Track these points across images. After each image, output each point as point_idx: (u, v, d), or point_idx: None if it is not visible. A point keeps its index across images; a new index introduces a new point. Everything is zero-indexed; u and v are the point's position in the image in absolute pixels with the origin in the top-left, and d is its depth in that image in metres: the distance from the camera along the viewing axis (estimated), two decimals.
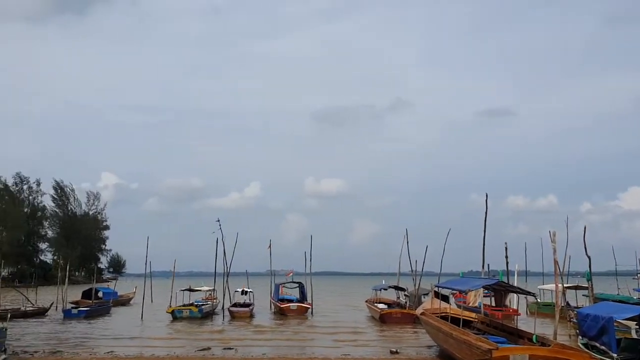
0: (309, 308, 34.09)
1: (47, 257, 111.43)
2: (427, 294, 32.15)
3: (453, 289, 22.29)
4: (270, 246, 39.11)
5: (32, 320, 31.02)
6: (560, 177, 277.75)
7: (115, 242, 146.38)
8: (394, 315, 29.08)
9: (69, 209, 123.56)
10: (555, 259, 18.79)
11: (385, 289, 35.90)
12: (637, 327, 17.38)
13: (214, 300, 37.48)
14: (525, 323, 25.29)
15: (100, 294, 43.26)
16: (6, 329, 18.06)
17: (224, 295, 34.11)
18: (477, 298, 33.11)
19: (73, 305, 35.92)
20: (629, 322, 17.65)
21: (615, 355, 14.05)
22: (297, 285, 37.55)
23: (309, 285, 35.52)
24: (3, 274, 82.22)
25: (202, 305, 34.33)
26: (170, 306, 32.79)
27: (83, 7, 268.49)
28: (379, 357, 18.16)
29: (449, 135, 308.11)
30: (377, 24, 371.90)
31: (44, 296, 43.03)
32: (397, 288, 34.88)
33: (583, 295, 33.59)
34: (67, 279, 37.27)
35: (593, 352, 14.64)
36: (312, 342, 22.21)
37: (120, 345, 20.78)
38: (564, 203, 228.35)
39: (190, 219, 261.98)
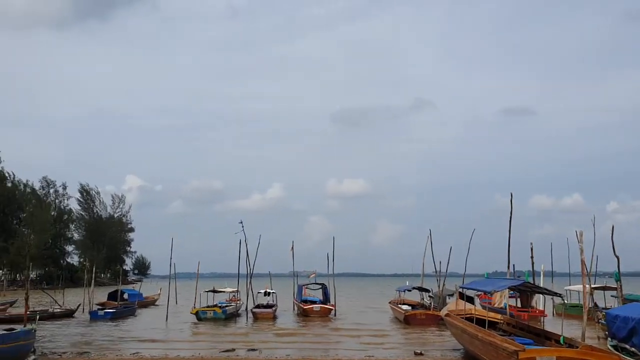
0: (332, 309, 34.02)
1: (74, 260, 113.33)
2: (451, 295, 31.94)
3: (478, 290, 22.04)
4: (292, 247, 39.22)
5: (59, 321, 31.47)
6: (585, 176, 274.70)
7: (140, 244, 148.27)
8: (418, 317, 28.85)
9: (95, 211, 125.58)
10: (582, 259, 18.49)
11: (409, 290, 35.65)
12: None
13: (238, 302, 37.64)
14: (551, 324, 24.88)
15: (125, 296, 43.83)
16: (35, 330, 18.33)
17: (247, 296, 34.24)
18: (503, 299, 32.79)
19: (99, 307, 36.38)
20: None
21: None
22: (320, 286, 37.52)
23: (332, 286, 35.45)
24: (31, 276, 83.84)
25: (226, 306, 34.48)
26: (194, 307, 33.02)
27: (105, 12, 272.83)
28: (403, 359, 18.03)
29: (470, 135, 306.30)
30: (396, 24, 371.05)
31: (71, 298, 43.77)
32: (421, 289, 34.60)
33: (611, 296, 32.92)
34: (93, 281, 37.81)
35: (623, 354, 14.34)
36: (335, 343, 22.14)
37: (146, 347, 20.97)
38: (589, 202, 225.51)
39: (213, 221, 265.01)
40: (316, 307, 34.04)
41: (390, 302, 36.67)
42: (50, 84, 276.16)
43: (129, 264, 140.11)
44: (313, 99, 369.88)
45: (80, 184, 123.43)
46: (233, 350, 19.52)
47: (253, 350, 19.60)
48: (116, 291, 41.86)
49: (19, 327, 19.02)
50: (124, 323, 31.53)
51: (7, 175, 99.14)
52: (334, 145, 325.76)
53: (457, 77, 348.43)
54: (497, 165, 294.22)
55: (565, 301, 26.74)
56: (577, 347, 13.59)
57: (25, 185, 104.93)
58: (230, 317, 32.77)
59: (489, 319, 18.31)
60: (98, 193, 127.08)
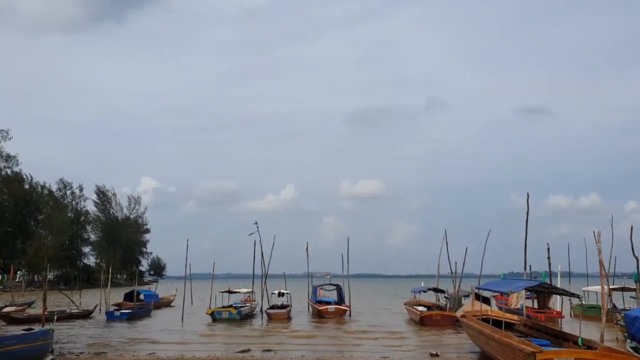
0: (347, 310, 33.97)
1: (90, 261, 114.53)
2: (467, 296, 31.73)
3: (494, 291, 21.88)
4: (307, 248, 39.24)
5: (76, 322, 31.76)
6: (602, 175, 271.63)
7: (155, 245, 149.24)
8: (434, 318, 28.68)
9: (111, 213, 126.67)
10: (600, 260, 18.27)
11: (425, 291, 35.50)
12: None
13: (253, 302, 37.73)
14: (569, 326, 24.60)
15: (141, 297, 44.14)
16: (53, 331, 18.50)
17: (262, 297, 34.25)
18: (519, 300, 32.51)
19: (115, 308, 36.66)
20: None
21: None
22: (335, 287, 37.48)
23: (347, 287, 35.41)
24: (49, 277, 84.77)
25: (241, 307, 34.58)
26: (209, 308, 33.15)
27: (120, 15, 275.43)
28: None
29: (486, 135, 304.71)
30: (410, 24, 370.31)
31: (88, 299, 44.15)
32: (436, 290, 34.41)
33: (630, 297, 32.51)
34: (109, 282, 38.13)
35: None
36: (350, 344, 22.06)
37: (162, 347, 21.08)
38: (607, 202, 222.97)
39: (227, 222, 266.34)
40: (331, 308, 34.01)
41: (405, 304, 36.52)
42: (65, 87, 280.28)
43: (144, 264, 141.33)
44: (327, 99, 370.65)
45: (97, 186, 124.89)
46: (248, 350, 19.56)
47: (268, 351, 19.62)
48: (132, 292, 42.17)
49: (37, 328, 19.27)
50: (140, 324, 31.74)
51: (24, 177, 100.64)
52: (348, 146, 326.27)
53: (472, 76, 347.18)
54: (512, 165, 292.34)
55: (583, 302, 26.46)
56: (596, 349, 13.41)
57: (43, 187, 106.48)
58: (245, 317, 32.85)
59: (506, 320, 18.15)
60: (114, 194, 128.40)
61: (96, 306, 36.84)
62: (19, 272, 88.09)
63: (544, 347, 13.56)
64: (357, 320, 31.93)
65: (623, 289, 32.40)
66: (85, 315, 34.81)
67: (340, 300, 36.13)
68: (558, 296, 27.37)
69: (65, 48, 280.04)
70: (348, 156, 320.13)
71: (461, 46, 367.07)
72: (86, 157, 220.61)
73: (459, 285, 34.03)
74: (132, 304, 39.24)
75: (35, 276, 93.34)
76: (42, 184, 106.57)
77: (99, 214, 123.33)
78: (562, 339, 15.85)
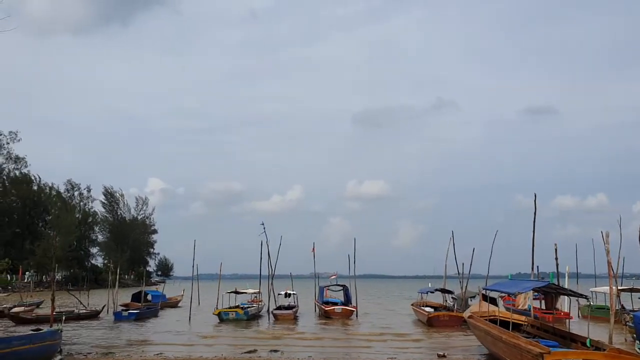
0: (354, 311, 33.95)
1: (98, 261, 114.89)
2: (474, 297, 31.64)
3: (502, 292, 21.81)
4: (314, 249, 39.21)
5: (84, 322, 31.91)
6: (609, 175, 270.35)
7: (163, 246, 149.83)
8: (441, 318, 28.62)
9: (119, 214, 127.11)
10: (609, 261, 18.15)
11: (432, 292, 35.42)
12: None
13: (260, 303, 37.78)
14: (577, 327, 24.48)
15: (149, 297, 44.26)
16: (61, 331, 18.61)
17: (269, 297, 34.27)
18: (527, 301, 32.38)
19: (123, 308, 36.77)
20: None
21: None
22: (342, 288, 37.46)
23: (353, 288, 35.38)
24: (57, 277, 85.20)
25: (248, 307, 34.64)
26: (217, 308, 33.22)
27: (126, 17, 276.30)
28: None
29: (492, 135, 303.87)
30: (416, 24, 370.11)
31: (96, 299, 44.32)
32: (443, 291, 34.34)
33: (639, 298, 32.30)
34: (117, 282, 38.29)
35: None
36: (357, 345, 22.07)
37: (169, 347, 21.14)
38: (615, 202, 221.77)
39: (234, 223, 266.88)
40: (338, 308, 34.00)
41: (412, 304, 36.45)
42: (73, 88, 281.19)
43: (152, 265, 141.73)
44: (334, 100, 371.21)
45: (105, 187, 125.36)
46: (255, 351, 19.59)
47: (275, 351, 19.64)
48: (140, 292, 42.31)
49: (45, 328, 19.39)
50: (148, 324, 31.83)
51: (33, 178, 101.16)
52: (354, 146, 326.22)
53: (480, 77, 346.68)
54: (519, 165, 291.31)
55: (591, 303, 26.33)
56: (604, 350, 13.35)
57: (51, 188, 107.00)
58: (252, 318, 32.91)
59: (513, 320, 18.09)
60: (122, 195, 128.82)
61: (104, 306, 37.00)
62: (27, 273, 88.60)
63: (552, 348, 13.51)
64: (364, 321, 31.92)
65: (631, 290, 32.20)
66: (93, 315, 34.95)
67: (347, 301, 36.10)
68: (566, 297, 27.18)
69: (67, 49, 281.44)
70: (354, 157, 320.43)
71: (468, 46, 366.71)
72: (94, 158, 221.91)
73: (466, 286, 33.93)
74: (140, 304, 39.37)
75: (44, 277, 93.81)
76: (50, 185, 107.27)
77: (107, 215, 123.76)
78: (570, 340, 15.79)
